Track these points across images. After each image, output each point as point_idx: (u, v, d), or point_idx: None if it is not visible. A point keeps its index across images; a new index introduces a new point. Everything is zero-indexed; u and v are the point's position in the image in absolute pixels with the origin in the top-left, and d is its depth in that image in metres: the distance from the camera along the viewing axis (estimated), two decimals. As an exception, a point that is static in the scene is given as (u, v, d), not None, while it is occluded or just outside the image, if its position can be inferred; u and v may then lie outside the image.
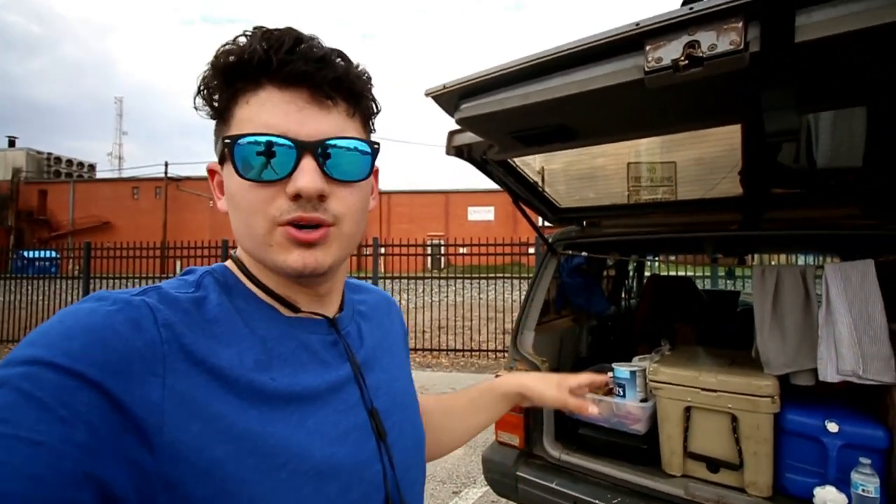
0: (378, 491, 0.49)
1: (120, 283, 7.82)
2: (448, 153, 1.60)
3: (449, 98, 1.18)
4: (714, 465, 1.62)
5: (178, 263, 8.51)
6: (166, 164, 30.48)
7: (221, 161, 0.47)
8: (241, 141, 0.43)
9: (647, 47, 0.87)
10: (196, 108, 0.46)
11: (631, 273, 3.85)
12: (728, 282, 8.42)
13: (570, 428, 1.95)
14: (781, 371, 1.58)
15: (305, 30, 0.46)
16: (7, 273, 9.16)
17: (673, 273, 6.96)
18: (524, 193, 1.93)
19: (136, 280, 7.95)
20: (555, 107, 1.07)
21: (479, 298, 7.88)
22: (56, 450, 0.32)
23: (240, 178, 0.44)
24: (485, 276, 7.63)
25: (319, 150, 0.44)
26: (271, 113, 0.43)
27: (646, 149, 1.99)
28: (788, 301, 1.61)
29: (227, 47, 0.44)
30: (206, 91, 0.45)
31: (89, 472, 0.33)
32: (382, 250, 7.58)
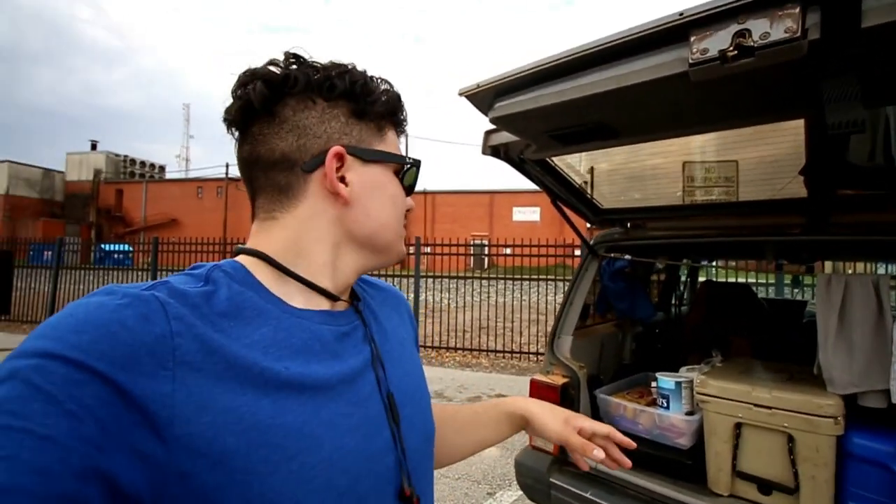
0: (389, 483, 0.50)
1: (183, 275, 8.37)
2: (484, 153, 1.58)
3: (483, 97, 1.16)
4: (766, 486, 1.51)
5: (236, 258, 9.03)
6: (227, 166, 32.36)
7: (373, 161, 0.55)
8: (416, 162, 0.59)
9: (693, 38, 0.82)
10: (363, 108, 0.54)
11: (683, 278, 3.66)
12: (794, 291, 7.79)
13: (608, 437, 1.87)
14: (847, 391, 1.44)
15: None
16: (89, 264, 10.08)
17: (730, 279, 6.53)
18: (563, 193, 1.88)
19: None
20: (593, 104, 1.03)
21: (522, 300, 7.78)
22: (64, 444, 0.33)
23: (402, 187, 0.58)
24: (528, 277, 7.51)
25: None
26: (399, 146, 0.60)
27: (702, 147, 1.88)
28: (858, 313, 1.47)
29: (388, 86, 0.57)
30: (370, 94, 0.55)
31: (96, 466, 0.33)
32: (428, 249, 7.65)
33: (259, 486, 0.40)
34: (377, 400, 0.52)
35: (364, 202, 0.53)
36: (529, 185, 1.85)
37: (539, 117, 1.14)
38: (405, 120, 0.61)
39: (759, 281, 6.93)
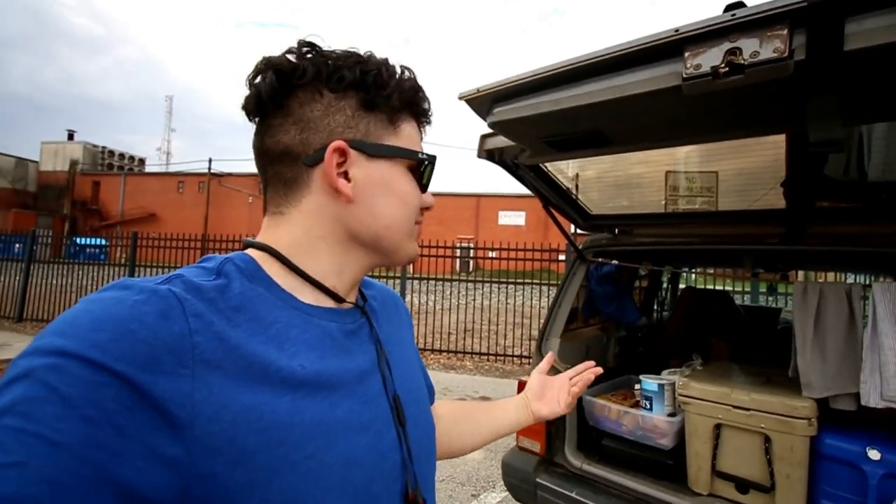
0: (396, 482, 0.49)
1: (163, 271, 8.17)
2: (479, 156, 1.61)
3: (482, 102, 1.19)
4: (744, 485, 1.57)
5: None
6: (210, 161, 31.73)
7: (380, 156, 0.53)
8: (431, 158, 0.56)
9: (687, 54, 0.86)
10: (374, 99, 0.52)
11: (665, 284, 3.75)
12: (769, 298, 8.04)
13: (593, 437, 1.92)
14: (822, 394, 1.51)
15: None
16: (61, 257, 9.78)
17: (709, 286, 6.71)
18: (555, 199, 1.92)
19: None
20: (589, 112, 1.07)
21: (507, 303, 7.83)
22: (77, 452, 0.31)
23: (415, 183, 0.55)
24: (513, 280, 7.58)
25: None
26: (418, 140, 0.57)
27: (685, 158, 1.94)
28: (831, 321, 1.54)
29: (409, 75, 0.55)
30: (384, 84, 0.52)
31: (110, 477, 0.32)
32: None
33: (279, 485, 0.39)
34: (384, 400, 0.52)
35: (369, 200, 0.51)
36: (515, 189, 1.89)
37: (536, 123, 1.17)
38: (426, 111, 0.57)
39: (736, 288, 7.13)
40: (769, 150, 1.63)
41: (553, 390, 0.85)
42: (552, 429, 1.87)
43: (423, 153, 0.56)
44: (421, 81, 0.56)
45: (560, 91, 1.05)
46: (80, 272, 8.45)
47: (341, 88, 0.50)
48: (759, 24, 0.78)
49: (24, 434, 0.31)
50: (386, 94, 0.51)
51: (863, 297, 1.52)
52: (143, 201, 35.18)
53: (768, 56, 0.78)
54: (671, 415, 1.78)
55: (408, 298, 7.40)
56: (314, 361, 0.46)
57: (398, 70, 0.54)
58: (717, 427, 1.61)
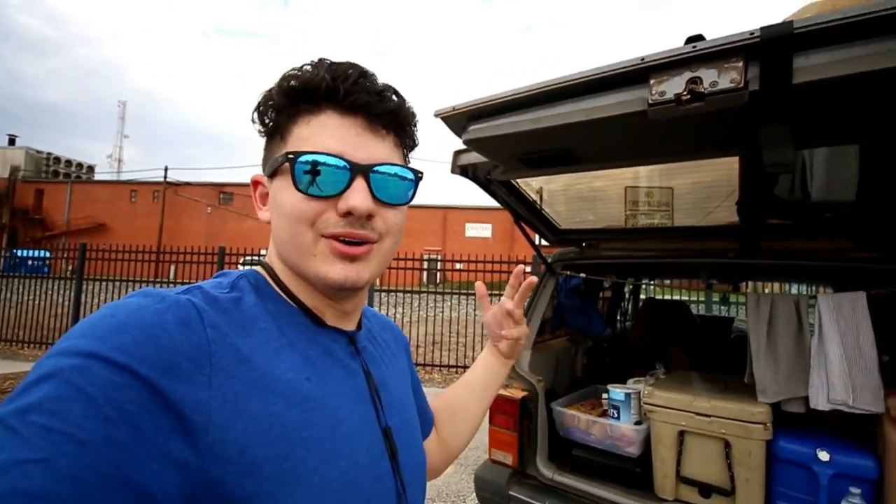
0: None
1: (113, 285, 7.77)
2: (453, 171, 1.64)
3: (458, 120, 1.22)
4: (706, 490, 1.63)
5: (173, 268, 8.46)
6: (166, 169, 30.53)
7: (272, 174, 0.50)
8: (302, 158, 0.47)
9: (652, 81, 0.92)
10: (252, 121, 0.51)
11: (627, 296, 3.88)
12: (722, 308, 8.47)
13: (563, 448, 1.95)
14: (774, 398, 1.60)
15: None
16: (-1, 271, 9.08)
17: (667, 297, 7.01)
18: (525, 213, 1.97)
19: (130, 283, 7.90)
20: (561, 132, 1.11)
21: (475, 315, 7.87)
22: (98, 451, 0.32)
23: (294, 190, 0.47)
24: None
25: (371, 173, 0.49)
26: (330, 135, 0.48)
27: (645, 174, 2.04)
28: (782, 329, 1.64)
29: (293, 72, 0.49)
30: (265, 108, 0.50)
31: (126, 475, 0.33)
32: (379, 263, 7.55)
33: (285, 497, 0.40)
34: (377, 429, 0.52)
35: (273, 220, 0.51)
36: (482, 201, 1.92)
37: (510, 141, 1.21)
38: (334, 93, 0.47)
39: (692, 299, 7.48)
40: (721, 168, 1.74)
41: (505, 319, 0.84)
42: (524, 441, 1.89)
43: (289, 152, 0.47)
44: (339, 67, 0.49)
45: (535, 111, 1.09)
46: (21, 285, 7.88)
47: (269, 119, 0.52)
48: (717, 56, 0.85)
49: (52, 432, 0.32)
50: (267, 111, 0.50)
51: (809, 306, 1.64)
52: (92, 210, 33.30)
53: (726, 86, 0.85)
54: (637, 423, 1.83)
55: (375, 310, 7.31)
56: (318, 377, 0.47)
57: (287, 75, 0.50)
58: (681, 434, 1.68)
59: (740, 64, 0.84)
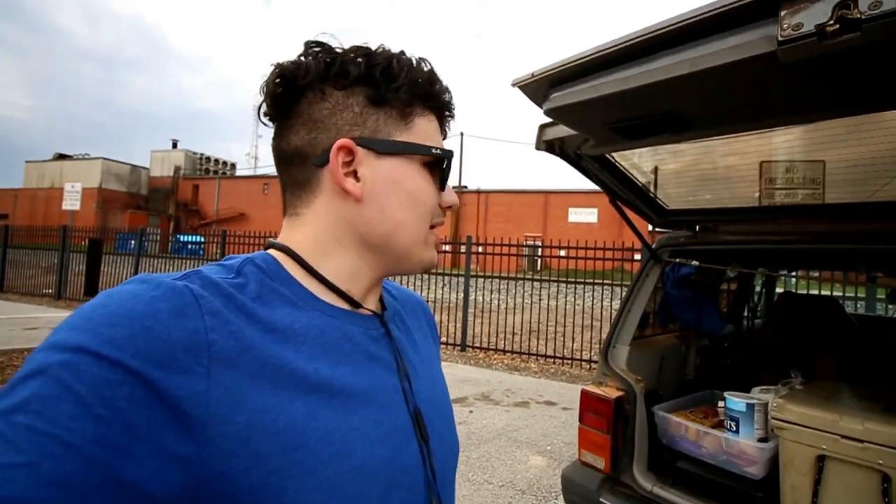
0: (418, 498, 0.47)
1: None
2: (538, 148, 1.51)
3: (538, 87, 1.10)
4: (855, 531, 1.32)
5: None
6: (291, 163, 33.97)
7: (391, 153, 0.50)
8: (447, 153, 0.52)
9: (783, 12, 0.71)
10: (368, 76, 0.48)
11: (758, 289, 3.35)
12: (889, 307, 6.95)
13: (666, 458, 1.73)
14: (964, 428, 1.23)
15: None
16: (167, 253, 10.99)
17: (812, 292, 5.93)
18: (624, 193, 1.75)
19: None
20: (662, 91, 0.94)
21: (576, 304, 7.51)
22: (88, 454, 0.31)
23: (430, 181, 0.51)
24: (582, 280, 7.24)
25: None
26: (436, 135, 0.53)
27: (784, 147, 1.68)
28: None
29: (423, 70, 0.51)
30: (393, 79, 0.49)
31: (120, 477, 0.32)
32: (480, 249, 7.58)
33: (293, 491, 0.38)
34: (404, 412, 0.49)
35: (378, 199, 0.49)
36: (586, 185, 1.75)
37: (599, 108, 1.06)
38: (445, 104, 0.53)
39: (847, 295, 6.24)
40: (887, 133, 1.35)
41: None
42: (618, 444, 1.71)
43: (437, 148, 0.52)
44: (441, 75, 0.52)
45: (626, 69, 0.93)
46: (182, 265, 9.45)
47: (347, 85, 0.48)
48: (884, -35, 0.62)
49: (37, 433, 0.30)
50: (395, 87, 0.48)
51: None
52: (234, 202, 38.59)
53: (894, 5, 0.62)
54: (762, 440, 1.55)
55: (472, 297, 7.35)
56: (330, 366, 0.44)
57: (412, 62, 0.50)
58: (821, 459, 1.37)
59: (921, -29, 0.60)
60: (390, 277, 0.58)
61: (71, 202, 12.62)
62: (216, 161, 47.78)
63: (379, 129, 0.49)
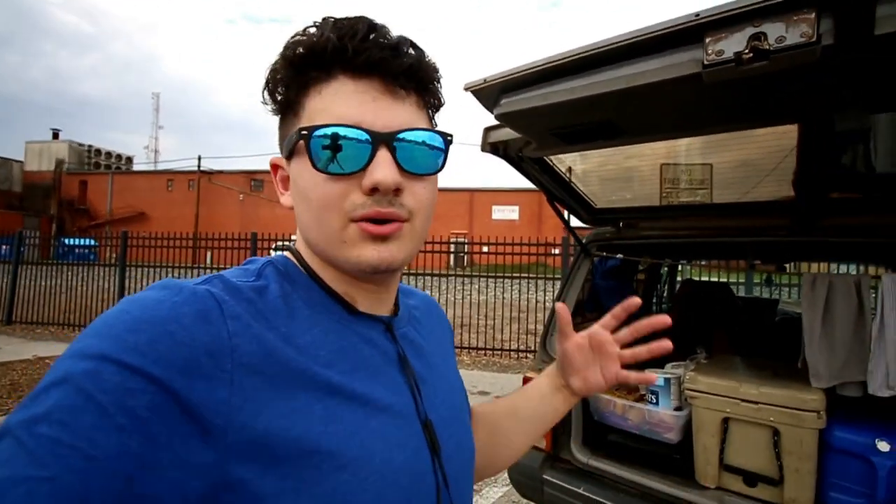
0: None
1: (154, 271, 8.09)
2: (483, 149, 1.58)
3: (490, 93, 1.16)
4: (752, 479, 1.56)
5: (210, 254, 8.73)
6: (199, 158, 31.38)
7: (290, 155, 0.46)
8: (317, 132, 0.42)
9: (708, 39, 0.83)
10: (263, 102, 0.46)
11: (663, 278, 3.74)
12: (764, 290, 8.12)
13: (598, 433, 1.90)
14: (829, 383, 1.50)
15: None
16: (49, 259, 9.61)
17: (705, 278, 6.76)
18: (559, 192, 1.89)
19: (169, 269, 8.21)
20: (601, 102, 1.04)
21: (503, 298, 7.82)
22: (109, 466, 0.30)
23: (314, 171, 0.43)
24: (508, 275, 7.56)
25: (395, 142, 0.43)
26: (345, 103, 0.42)
27: (683, 150, 1.92)
28: (840, 312, 1.53)
29: (297, 38, 0.43)
30: (273, 83, 0.45)
31: (137, 490, 0.31)
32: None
33: (311, 495, 0.38)
34: (416, 421, 0.48)
35: (296, 207, 0.47)
36: (509, 183, 1.85)
37: (546, 114, 1.14)
38: (326, 59, 0.42)
39: (731, 280, 7.19)
40: (769, 140, 1.61)
41: (589, 355, 0.65)
42: (558, 425, 1.84)
43: (302, 128, 0.43)
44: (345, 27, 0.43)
45: (574, 80, 1.01)
46: (70, 272, 8.31)
47: (274, 107, 0.48)
48: (784, 7, 0.76)
49: (60, 445, 0.30)
50: (277, 85, 0.45)
51: (871, 287, 1.52)
52: (132, 200, 34.73)
53: (795, 41, 0.76)
54: (677, 409, 1.76)
55: (403, 295, 7.34)
56: (347, 371, 0.44)
57: (291, 43, 0.44)
58: (725, 421, 1.60)
59: (812, 15, 0.75)
60: (401, 280, 0.56)
61: (-80, 200, 10.57)
62: (108, 154, 42.56)
63: (285, 135, 0.47)
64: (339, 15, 0.44)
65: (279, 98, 0.45)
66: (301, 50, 0.43)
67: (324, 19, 0.44)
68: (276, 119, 0.48)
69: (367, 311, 0.49)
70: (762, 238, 1.70)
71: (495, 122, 1.34)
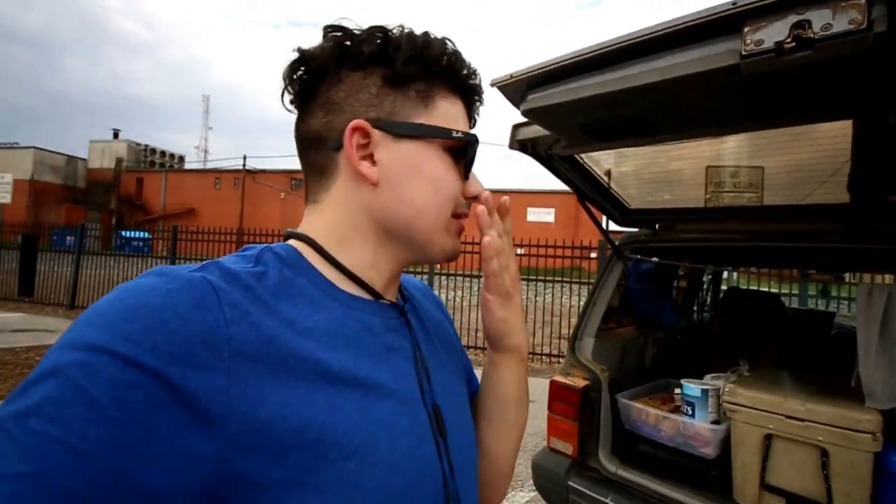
0: (438, 494, 0.46)
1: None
2: (511, 147, 1.55)
3: (516, 88, 1.13)
4: (796, 501, 1.45)
5: (253, 249, 9.14)
6: (244, 158, 32.76)
7: (403, 135, 0.48)
8: (471, 138, 0.50)
9: (746, 29, 0.78)
10: (398, 73, 0.47)
11: (706, 284, 3.57)
12: (820, 302, 7.58)
13: (628, 442, 1.83)
14: (888, 405, 1.38)
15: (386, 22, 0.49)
16: (109, 250, 10.32)
17: (753, 287, 6.38)
18: (591, 192, 1.84)
19: (215, 263, 8.61)
20: (633, 97, 0.99)
21: (535, 301, 7.70)
22: (101, 461, 0.30)
23: (452, 167, 0.50)
24: (541, 278, 7.44)
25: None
26: (460, 120, 0.51)
27: (731, 152, 1.81)
28: (900, 325, 1.40)
29: (445, 49, 0.49)
30: (430, 71, 0.48)
31: (133, 485, 0.31)
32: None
33: (316, 484, 0.37)
34: (422, 407, 0.48)
35: (396, 184, 0.47)
36: (544, 185, 1.81)
37: (574, 110, 1.10)
38: (472, 86, 0.51)
39: (782, 291, 6.76)
40: (826, 140, 1.50)
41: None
42: (585, 430, 1.79)
43: (458, 132, 0.49)
44: (467, 56, 0.50)
45: (602, 74, 0.97)
46: (126, 263, 8.87)
47: (362, 65, 0.47)
48: (832, -8, 0.70)
49: (49, 440, 0.29)
50: (411, 66, 0.47)
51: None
52: (183, 197, 36.73)
53: (843, 28, 0.69)
54: (715, 422, 1.67)
55: (437, 294, 7.37)
56: (352, 358, 0.43)
57: (431, 41, 0.48)
58: (768, 438, 1.50)
59: (863, 1, 0.68)
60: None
61: (0, 194, 11.60)
62: (162, 153, 45.22)
63: (396, 111, 0.47)
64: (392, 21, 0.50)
65: (403, 75, 0.47)
66: (446, 61, 0.48)
67: (426, 34, 0.49)
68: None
69: (388, 298, 0.51)
70: (813, 244, 1.58)
71: (524, 119, 1.31)
